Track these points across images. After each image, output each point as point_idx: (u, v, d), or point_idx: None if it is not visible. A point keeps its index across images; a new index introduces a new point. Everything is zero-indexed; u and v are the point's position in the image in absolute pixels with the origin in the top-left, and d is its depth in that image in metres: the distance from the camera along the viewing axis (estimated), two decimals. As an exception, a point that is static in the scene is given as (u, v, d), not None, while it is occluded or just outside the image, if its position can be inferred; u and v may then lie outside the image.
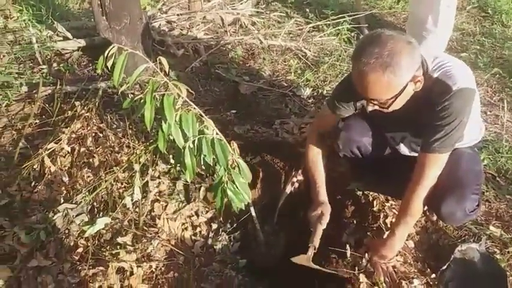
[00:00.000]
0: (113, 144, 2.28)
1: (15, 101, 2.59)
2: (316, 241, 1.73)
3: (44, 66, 2.88)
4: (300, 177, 2.17)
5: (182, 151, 1.56)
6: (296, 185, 2.17)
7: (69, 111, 2.45)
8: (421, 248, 1.88)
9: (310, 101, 2.89)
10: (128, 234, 1.90)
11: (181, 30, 3.55)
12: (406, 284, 1.70)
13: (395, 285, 1.69)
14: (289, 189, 2.16)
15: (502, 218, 2.02)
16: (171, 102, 1.50)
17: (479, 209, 1.68)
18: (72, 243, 1.85)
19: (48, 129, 2.38)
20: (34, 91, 2.61)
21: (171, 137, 1.56)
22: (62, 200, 2.02)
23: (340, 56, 3.35)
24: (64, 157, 2.21)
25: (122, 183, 2.11)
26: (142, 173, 2.13)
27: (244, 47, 3.46)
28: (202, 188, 2.13)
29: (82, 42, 3.04)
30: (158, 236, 1.92)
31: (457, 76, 1.45)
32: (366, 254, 1.80)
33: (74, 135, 2.30)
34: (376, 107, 1.49)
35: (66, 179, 2.13)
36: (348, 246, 1.83)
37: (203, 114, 1.59)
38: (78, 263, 1.78)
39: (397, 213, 1.73)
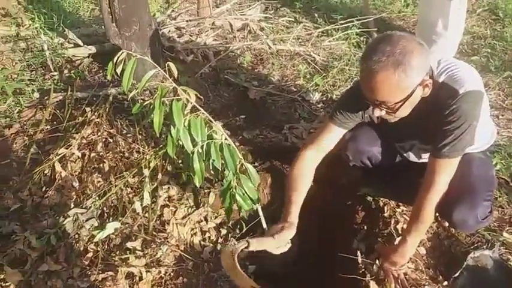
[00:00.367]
0: (123, 150, 2.29)
1: (27, 107, 2.62)
2: (254, 241, 1.44)
3: (55, 73, 2.92)
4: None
5: (191, 156, 1.57)
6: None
7: (80, 117, 2.47)
8: (432, 254, 1.85)
9: (319, 105, 2.88)
10: (138, 239, 1.91)
11: (191, 36, 3.57)
12: (418, 290, 1.68)
13: (406, 292, 1.67)
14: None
15: (516, 224, 1.99)
16: (180, 108, 1.51)
17: (492, 215, 1.65)
18: (82, 248, 1.86)
19: (59, 134, 2.40)
20: (45, 97, 2.64)
21: (180, 142, 1.57)
22: (72, 205, 2.04)
23: (349, 60, 3.33)
24: (74, 162, 2.23)
25: (131, 188, 2.12)
26: (152, 178, 2.13)
27: (253, 52, 3.46)
28: (211, 193, 2.13)
29: (92, 49, 3.07)
30: (167, 242, 1.92)
31: (463, 79, 1.42)
32: (377, 261, 1.77)
33: (84, 141, 2.32)
34: (383, 112, 1.45)
35: (76, 184, 2.15)
36: (358, 253, 1.81)
37: (212, 119, 1.59)
38: (87, 267, 1.80)
39: (408, 219, 1.70)
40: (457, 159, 1.49)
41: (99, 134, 2.35)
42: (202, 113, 1.58)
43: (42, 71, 2.95)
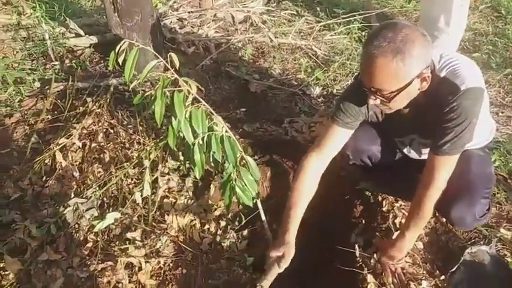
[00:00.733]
0: (123, 140, 2.30)
1: (28, 97, 2.62)
2: (266, 284, 1.52)
3: (56, 63, 2.91)
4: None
5: (191, 148, 1.57)
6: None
7: (81, 107, 2.47)
8: (430, 249, 1.86)
9: (320, 100, 2.88)
10: (137, 230, 1.92)
11: (192, 27, 3.56)
12: (415, 285, 1.69)
13: (403, 286, 1.68)
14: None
15: (513, 220, 2.00)
16: (181, 99, 1.51)
17: (490, 213, 1.65)
18: (81, 238, 1.87)
19: (60, 124, 2.40)
20: (46, 87, 2.64)
21: (181, 134, 1.57)
22: (73, 195, 2.04)
23: (350, 55, 3.33)
24: (75, 152, 2.24)
25: (132, 179, 2.13)
26: (152, 169, 2.14)
27: (255, 45, 3.46)
28: (211, 185, 2.14)
29: (94, 39, 3.06)
30: (167, 232, 1.93)
31: (465, 75, 1.40)
32: (375, 255, 1.79)
33: (85, 131, 2.33)
34: (378, 101, 1.42)
35: (77, 174, 2.15)
36: (356, 246, 1.82)
37: (213, 111, 1.60)
38: (87, 257, 1.80)
39: (407, 215, 1.71)
40: (456, 156, 1.49)
41: (100, 124, 2.36)
42: (204, 105, 1.59)
43: (43, 61, 2.94)
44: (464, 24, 3.20)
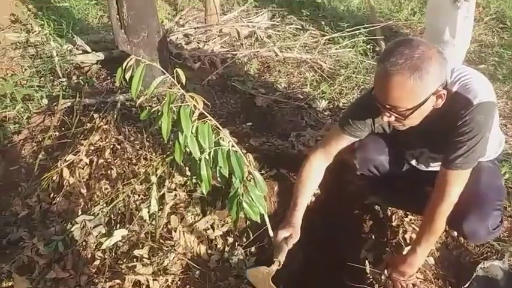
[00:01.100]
0: (130, 156, 2.30)
1: (35, 113, 2.64)
2: (282, 257, 1.64)
3: (63, 79, 2.94)
4: (317, 191, 2.15)
5: (198, 163, 1.57)
6: (313, 198, 2.14)
7: (88, 124, 2.48)
8: (441, 264, 1.84)
9: (326, 113, 2.88)
10: (145, 247, 1.90)
11: (198, 43, 3.59)
12: (427, 301, 1.67)
13: (415, 303, 1.66)
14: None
15: (526, 234, 1.97)
16: (188, 114, 1.51)
17: (502, 225, 1.63)
18: (89, 255, 1.86)
19: (67, 141, 2.41)
20: (54, 104, 2.66)
21: (188, 149, 1.57)
22: (80, 212, 2.04)
23: (356, 68, 3.34)
24: (82, 169, 2.24)
25: (139, 195, 2.12)
26: (159, 185, 2.14)
27: (260, 59, 3.47)
28: (218, 201, 2.13)
29: (101, 56, 3.09)
30: (174, 249, 1.92)
31: (476, 89, 1.40)
32: (385, 271, 1.76)
33: (92, 147, 2.33)
34: (392, 118, 1.42)
35: (84, 190, 2.15)
36: (366, 262, 1.80)
37: (219, 126, 1.60)
38: (95, 275, 1.79)
39: (418, 230, 1.69)
40: (469, 171, 1.47)
41: (107, 140, 2.36)
42: (210, 120, 1.58)
43: (51, 77, 2.97)
44: (470, 36, 3.20)
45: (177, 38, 3.61)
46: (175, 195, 2.14)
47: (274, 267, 1.61)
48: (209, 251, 1.97)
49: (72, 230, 1.93)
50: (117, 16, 2.65)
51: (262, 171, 2.29)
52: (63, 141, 2.42)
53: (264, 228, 1.89)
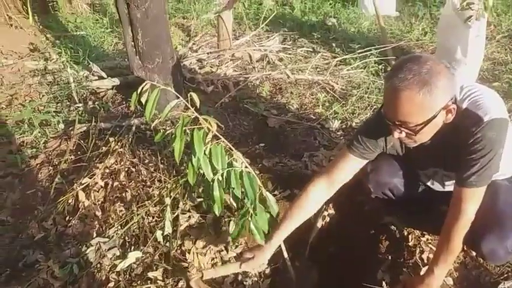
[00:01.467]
0: (145, 179, 2.32)
1: (52, 138, 2.70)
2: (208, 273, 1.74)
3: (80, 105, 3.01)
4: (331, 211, 2.13)
5: (211, 184, 1.57)
6: (327, 219, 2.13)
7: (103, 147, 2.53)
8: (460, 285, 1.78)
9: (339, 133, 2.88)
10: (159, 269, 1.90)
11: (211, 67, 3.65)
12: (447, 324, 1.62)
13: (434, 325, 1.60)
14: (320, 223, 2.12)
15: (548, 253, 1.91)
16: (201, 137, 1.53)
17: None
18: (103, 278, 1.86)
19: (83, 164, 2.45)
20: (70, 128, 2.72)
21: (201, 171, 1.58)
22: (95, 234, 2.06)
23: (368, 88, 3.34)
24: (98, 192, 2.27)
25: (153, 217, 2.13)
26: (173, 207, 2.14)
27: (272, 82, 3.51)
28: (232, 222, 2.12)
29: (116, 81, 3.17)
30: (188, 271, 1.91)
31: (487, 106, 1.38)
32: (403, 292, 1.72)
33: (107, 170, 2.36)
34: (403, 135, 1.41)
35: (99, 213, 2.18)
36: (383, 283, 1.76)
37: (232, 147, 1.61)
38: (109, 298, 1.79)
39: (435, 250, 1.65)
40: (483, 188, 1.45)
41: (122, 163, 2.39)
42: (223, 142, 1.60)
43: (68, 103, 3.05)
44: (482, 54, 3.20)
45: (191, 62, 3.69)
46: (189, 216, 2.14)
47: (195, 276, 1.73)
48: (223, 273, 1.95)
49: (87, 252, 1.95)
50: (132, 43, 2.73)
51: (276, 192, 2.28)
52: (79, 164, 2.47)
53: (278, 249, 1.88)
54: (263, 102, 3.21)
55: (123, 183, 2.31)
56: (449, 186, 1.72)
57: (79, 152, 2.58)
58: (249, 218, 1.62)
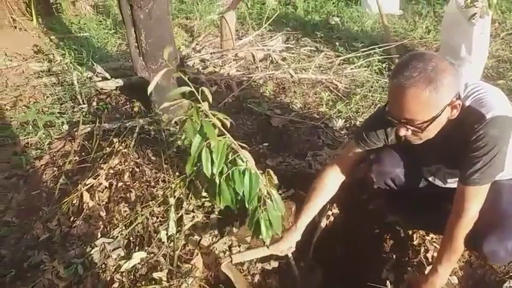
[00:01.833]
0: (149, 179, 2.33)
1: (56, 139, 2.71)
2: (238, 258, 1.81)
3: (84, 106, 3.02)
4: (335, 211, 2.13)
5: (216, 183, 1.57)
6: (331, 218, 2.12)
7: (108, 148, 2.53)
8: (465, 284, 1.77)
9: (343, 132, 2.87)
10: (163, 270, 1.90)
11: (214, 67, 3.65)
12: (452, 323, 1.61)
13: (439, 324, 1.59)
14: (324, 223, 2.11)
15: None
16: (212, 127, 1.52)
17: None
18: (108, 278, 1.87)
19: (87, 165, 2.46)
20: (74, 129, 2.73)
21: (207, 172, 1.57)
22: (99, 235, 2.06)
23: (372, 87, 3.33)
24: (102, 192, 2.27)
25: (157, 217, 2.13)
26: (177, 207, 2.15)
27: (275, 81, 3.51)
28: (236, 222, 2.12)
29: (120, 82, 3.17)
30: (192, 272, 1.91)
31: (490, 103, 1.38)
32: (407, 291, 1.71)
33: (111, 171, 2.37)
34: (409, 132, 1.42)
35: (103, 213, 2.18)
36: (388, 283, 1.76)
37: (238, 146, 1.60)
38: (114, 298, 1.79)
39: (439, 248, 1.64)
40: (487, 186, 1.44)
41: (126, 164, 2.40)
42: (229, 139, 1.59)
43: (72, 104, 3.06)
44: (486, 52, 3.18)
45: (194, 63, 3.69)
46: (193, 217, 2.14)
47: (227, 260, 1.79)
48: (227, 273, 1.95)
49: (91, 252, 1.95)
50: (136, 44, 2.73)
51: (280, 192, 2.28)
52: (83, 165, 2.47)
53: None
54: (266, 102, 3.21)
55: (128, 183, 2.31)
56: (451, 183, 1.71)
57: (83, 153, 2.58)
58: (260, 216, 1.61)
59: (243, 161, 1.61)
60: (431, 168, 1.73)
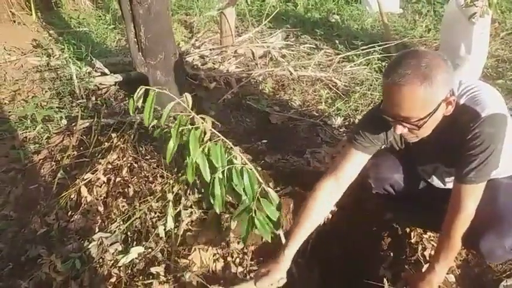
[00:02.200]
0: (147, 175, 2.32)
1: (55, 134, 2.71)
2: None
3: (82, 101, 3.01)
4: (333, 208, 2.13)
5: (211, 182, 1.57)
6: (329, 216, 2.12)
7: (106, 143, 2.53)
8: (462, 282, 1.78)
9: (341, 130, 2.87)
10: (161, 265, 1.90)
11: (214, 64, 3.65)
12: (448, 320, 1.61)
13: (436, 322, 1.60)
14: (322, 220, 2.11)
15: (551, 251, 1.90)
16: (197, 137, 1.52)
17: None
18: (105, 273, 1.87)
19: (85, 160, 2.46)
20: (73, 124, 2.72)
21: (201, 171, 1.57)
22: (97, 229, 2.06)
23: (371, 85, 3.33)
24: (100, 187, 2.27)
25: (155, 213, 2.13)
26: (175, 203, 2.15)
27: (275, 78, 3.50)
28: (233, 221, 2.12)
29: (119, 77, 3.17)
30: (190, 267, 1.91)
31: (485, 102, 1.38)
32: (404, 288, 1.72)
33: (110, 166, 2.37)
34: (405, 130, 1.40)
35: (101, 208, 2.18)
36: (385, 280, 1.76)
37: (231, 145, 1.60)
38: (111, 292, 1.80)
39: (436, 246, 1.65)
40: (482, 184, 1.44)
41: (124, 159, 2.40)
42: (222, 139, 1.59)
43: (70, 99, 3.05)
44: (486, 51, 3.18)
45: (193, 59, 3.68)
46: (191, 212, 2.14)
47: None
48: (224, 269, 1.95)
49: (89, 247, 1.95)
50: (135, 39, 2.72)
51: (277, 188, 2.28)
52: (82, 160, 2.47)
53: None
54: (266, 99, 3.21)
55: (126, 178, 2.31)
56: (450, 183, 1.71)
57: (81, 148, 2.58)
58: (254, 214, 1.61)
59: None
60: (429, 168, 1.72)
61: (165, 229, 2.04)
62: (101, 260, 1.92)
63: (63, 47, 3.78)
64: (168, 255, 1.95)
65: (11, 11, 4.45)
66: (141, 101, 1.60)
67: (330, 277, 2.01)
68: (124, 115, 2.82)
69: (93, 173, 2.31)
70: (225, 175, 1.57)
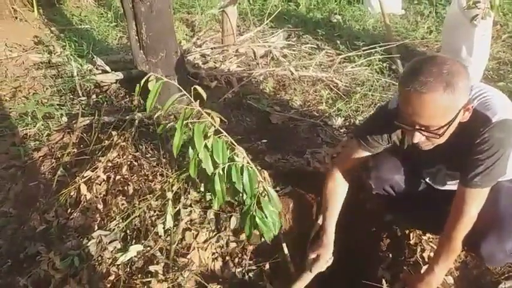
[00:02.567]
0: (147, 173, 2.32)
1: (55, 131, 2.70)
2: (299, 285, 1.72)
3: (83, 98, 3.01)
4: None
5: (212, 178, 1.57)
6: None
7: (106, 141, 2.53)
8: (461, 284, 1.78)
9: (342, 130, 2.87)
10: (160, 263, 1.90)
11: (215, 63, 3.64)
12: (446, 322, 1.61)
13: (434, 324, 1.60)
14: (321, 219, 2.11)
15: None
16: (202, 131, 1.53)
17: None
18: (104, 270, 1.87)
19: (86, 157, 2.46)
20: (73, 121, 2.72)
21: (203, 165, 1.58)
22: (96, 227, 2.06)
23: (372, 86, 3.33)
24: (100, 185, 2.27)
25: (154, 211, 2.13)
26: (175, 201, 2.15)
27: (276, 78, 3.50)
28: (233, 218, 2.12)
29: (120, 75, 3.16)
30: (188, 266, 1.91)
31: (496, 107, 1.37)
32: (403, 289, 1.72)
33: (109, 164, 2.37)
34: (423, 138, 1.38)
35: (100, 206, 2.18)
36: (384, 281, 1.76)
37: (234, 142, 1.60)
38: (109, 290, 1.80)
39: (436, 248, 1.65)
40: (487, 189, 1.44)
41: (124, 157, 2.40)
42: (225, 136, 1.60)
43: (71, 96, 3.05)
44: (487, 53, 3.18)
45: (195, 58, 3.68)
46: (191, 211, 2.14)
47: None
48: (223, 268, 1.95)
49: (88, 245, 1.95)
50: (136, 37, 2.73)
51: (277, 188, 2.28)
52: (82, 158, 2.47)
53: (278, 245, 1.88)
54: (266, 99, 3.20)
55: (125, 176, 2.31)
56: (450, 185, 1.71)
57: (82, 145, 2.58)
58: (254, 213, 1.61)
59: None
60: (432, 170, 1.72)
61: (164, 228, 2.04)
62: (99, 258, 1.92)
63: (64, 44, 3.79)
64: (167, 254, 1.95)
65: (12, 8, 4.45)
66: (149, 86, 1.59)
67: (329, 276, 2.00)
68: (125, 113, 2.82)
69: (93, 171, 2.31)
70: (225, 172, 1.57)
